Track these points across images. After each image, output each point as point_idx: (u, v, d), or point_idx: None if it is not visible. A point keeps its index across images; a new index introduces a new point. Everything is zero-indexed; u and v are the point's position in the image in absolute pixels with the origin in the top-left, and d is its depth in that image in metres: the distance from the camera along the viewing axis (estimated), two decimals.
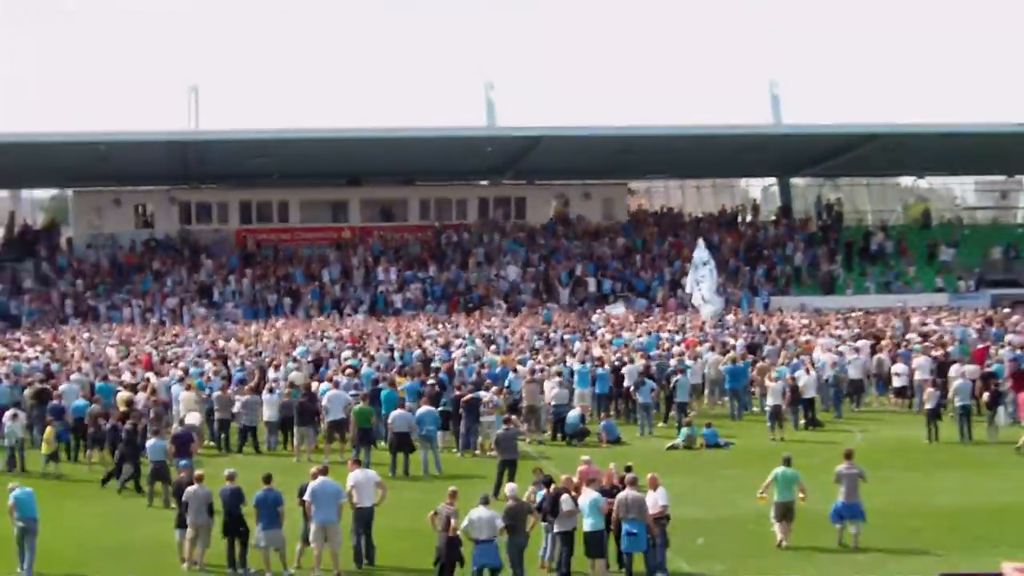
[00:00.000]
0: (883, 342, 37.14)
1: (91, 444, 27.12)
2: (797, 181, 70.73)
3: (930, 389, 29.77)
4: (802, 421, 31.08)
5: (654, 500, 18.34)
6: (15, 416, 27.04)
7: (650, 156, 60.64)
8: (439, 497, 18.57)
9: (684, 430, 29.09)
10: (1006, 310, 47.02)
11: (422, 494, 22.56)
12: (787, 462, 19.92)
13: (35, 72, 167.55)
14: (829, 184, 72.38)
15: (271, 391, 29.36)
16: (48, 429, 26.52)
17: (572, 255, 59.66)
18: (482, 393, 29.10)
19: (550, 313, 49.07)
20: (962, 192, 75.62)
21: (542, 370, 31.81)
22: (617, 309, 50.92)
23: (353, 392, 28.75)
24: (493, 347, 37.45)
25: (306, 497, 18.73)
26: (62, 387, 29.91)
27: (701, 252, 44.42)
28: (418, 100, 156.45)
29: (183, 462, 21.90)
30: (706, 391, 34.27)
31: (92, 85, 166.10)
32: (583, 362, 32.73)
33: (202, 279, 56.78)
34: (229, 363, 34.87)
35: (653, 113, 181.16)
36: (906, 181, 77.47)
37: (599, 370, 32.46)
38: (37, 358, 35.55)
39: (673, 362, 33.33)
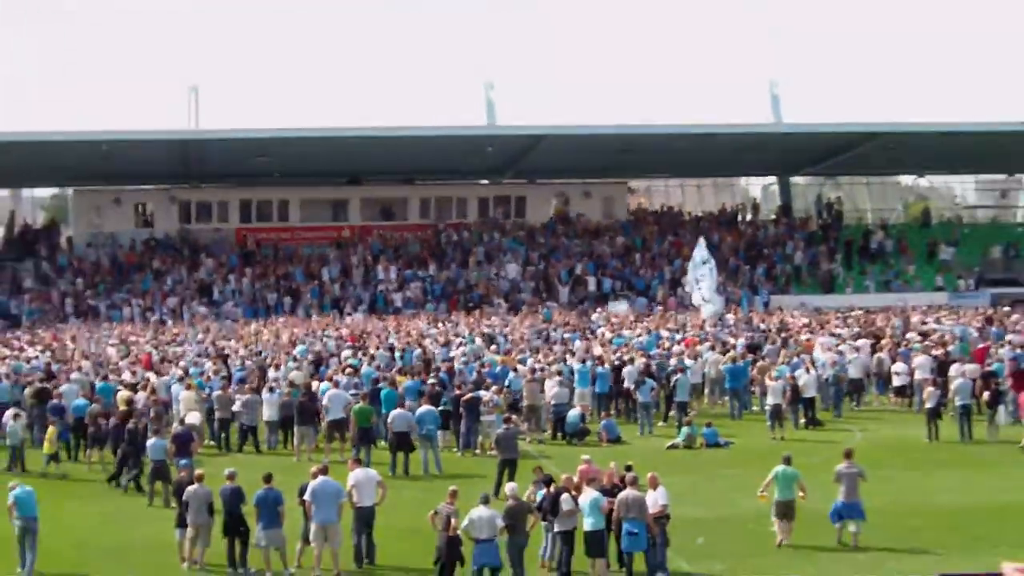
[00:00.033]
0: (883, 341, 37.10)
1: (91, 444, 27.08)
2: (797, 180, 70.63)
3: (930, 388, 29.76)
4: (802, 420, 31.07)
5: (654, 499, 18.34)
6: (17, 416, 27.01)
7: (650, 155, 60.61)
8: (439, 496, 18.59)
9: (684, 429, 29.10)
10: (1006, 309, 47.03)
11: (422, 493, 22.59)
12: (787, 461, 19.92)
13: (35, 72, 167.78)
14: (829, 183, 72.39)
15: (271, 390, 29.34)
16: (51, 429, 26.51)
17: (572, 254, 59.63)
18: (482, 392, 29.09)
19: (550, 312, 48.99)
20: (962, 191, 75.66)
21: (542, 369, 31.81)
22: (619, 307, 50.91)
23: (353, 391, 28.73)
24: (493, 346, 37.44)
25: (306, 497, 18.73)
26: (62, 387, 29.93)
27: (701, 251, 44.35)
28: (418, 99, 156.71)
29: (183, 461, 21.88)
30: (706, 390, 34.25)
31: (92, 84, 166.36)
32: (583, 361, 32.71)
33: (202, 278, 56.77)
34: (229, 362, 34.87)
35: (653, 112, 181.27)
36: (906, 180, 77.54)
37: (599, 369, 32.46)
38: (37, 357, 35.55)
39: (673, 361, 33.33)
